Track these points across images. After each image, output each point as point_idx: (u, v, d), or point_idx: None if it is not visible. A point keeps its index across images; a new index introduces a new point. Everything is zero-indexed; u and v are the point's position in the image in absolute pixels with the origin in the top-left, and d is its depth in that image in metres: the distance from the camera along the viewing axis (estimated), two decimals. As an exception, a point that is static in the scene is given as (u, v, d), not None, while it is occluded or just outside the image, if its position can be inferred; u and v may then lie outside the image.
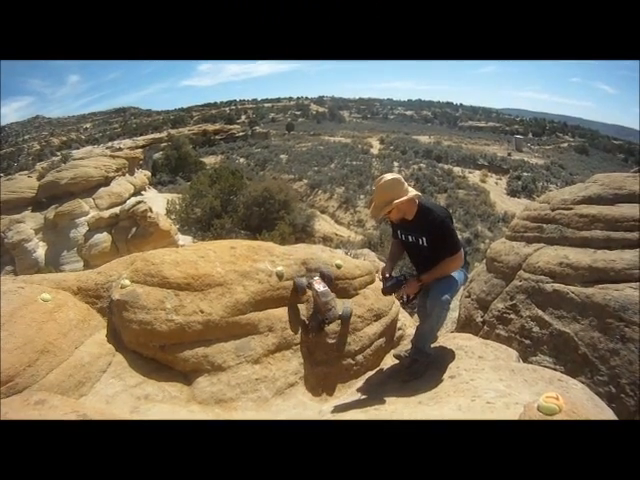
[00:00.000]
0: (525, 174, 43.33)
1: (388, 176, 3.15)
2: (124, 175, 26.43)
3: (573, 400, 1.99)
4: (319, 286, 3.79)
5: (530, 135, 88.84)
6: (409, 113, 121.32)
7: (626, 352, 3.86)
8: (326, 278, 3.96)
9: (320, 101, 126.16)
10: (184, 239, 18.35)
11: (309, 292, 3.94)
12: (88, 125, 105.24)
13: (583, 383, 3.27)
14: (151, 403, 3.15)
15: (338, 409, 3.21)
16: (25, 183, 24.69)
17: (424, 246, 3.24)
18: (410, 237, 3.33)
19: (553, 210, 5.32)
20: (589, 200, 5.10)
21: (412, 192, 3.14)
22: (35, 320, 3.11)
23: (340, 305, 3.95)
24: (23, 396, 2.23)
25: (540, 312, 4.60)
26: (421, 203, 3.18)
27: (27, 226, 21.84)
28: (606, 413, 2.66)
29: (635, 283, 4.10)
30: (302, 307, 4.00)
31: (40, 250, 21.30)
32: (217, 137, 68.44)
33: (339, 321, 3.91)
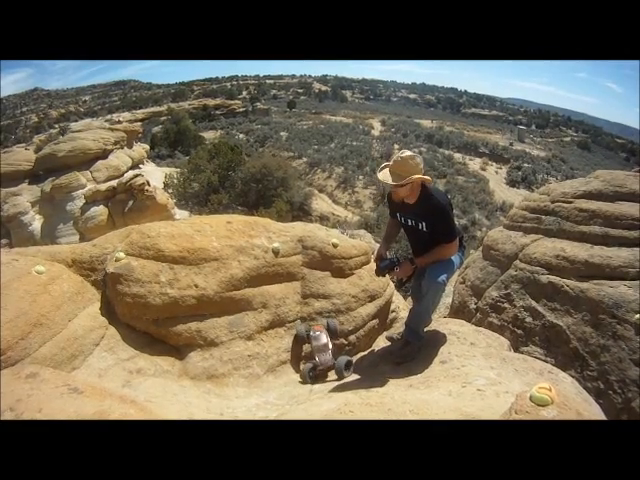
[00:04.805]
0: (526, 165, 43.31)
1: (412, 152, 3.11)
2: (122, 148, 26.00)
3: (565, 393, 2.00)
4: (316, 332, 3.70)
5: (533, 126, 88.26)
6: (412, 96, 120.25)
7: (616, 349, 3.88)
8: (330, 329, 3.80)
9: (323, 80, 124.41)
10: (181, 214, 18.24)
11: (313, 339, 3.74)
12: (87, 98, 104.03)
13: (572, 377, 3.29)
14: (143, 377, 3.15)
15: (329, 389, 3.23)
16: (22, 156, 24.30)
17: (423, 231, 3.23)
18: (410, 220, 3.31)
19: (553, 202, 5.30)
20: (589, 195, 5.08)
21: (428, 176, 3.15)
22: (28, 292, 3.07)
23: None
24: (15, 369, 2.20)
25: (534, 303, 4.62)
26: (426, 187, 3.17)
27: (23, 199, 21.64)
28: (594, 409, 2.68)
29: (630, 282, 4.11)
30: (298, 288, 3.99)
31: (36, 223, 21.15)
32: (217, 112, 67.99)
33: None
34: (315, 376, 3.58)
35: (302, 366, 3.69)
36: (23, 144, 35.39)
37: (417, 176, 3.02)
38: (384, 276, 3.63)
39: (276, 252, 3.98)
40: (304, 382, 3.54)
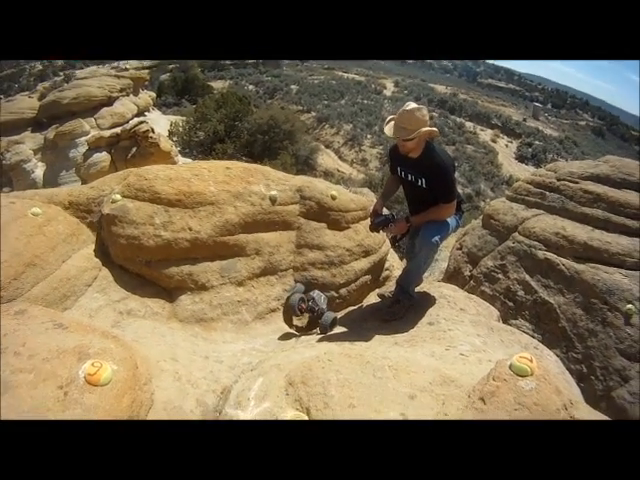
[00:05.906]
0: (537, 142, 42.65)
1: (417, 105, 2.98)
2: (128, 95, 25.34)
3: (546, 367, 1.99)
4: (316, 293, 3.63)
5: (549, 105, 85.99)
6: (428, 61, 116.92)
7: (604, 336, 3.92)
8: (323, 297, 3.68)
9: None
10: (184, 161, 18.02)
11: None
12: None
13: (557, 356, 3.31)
14: (132, 318, 3.19)
15: (315, 340, 3.24)
16: (26, 103, 23.54)
17: (422, 187, 3.14)
18: (410, 175, 3.22)
19: (559, 180, 5.24)
20: (597, 178, 5.03)
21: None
22: (23, 234, 3.09)
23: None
24: (4, 307, 2.22)
25: (527, 277, 4.63)
26: (430, 143, 3.08)
27: (26, 147, 21.23)
28: (574, 390, 2.71)
29: (626, 270, 4.12)
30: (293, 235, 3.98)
31: (39, 170, 20.85)
32: (227, 62, 66.04)
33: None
34: (301, 311, 3.52)
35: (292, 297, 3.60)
36: (27, 92, 34.37)
37: (426, 129, 2.92)
38: (378, 232, 3.58)
39: (273, 200, 3.93)
40: (292, 313, 3.52)
